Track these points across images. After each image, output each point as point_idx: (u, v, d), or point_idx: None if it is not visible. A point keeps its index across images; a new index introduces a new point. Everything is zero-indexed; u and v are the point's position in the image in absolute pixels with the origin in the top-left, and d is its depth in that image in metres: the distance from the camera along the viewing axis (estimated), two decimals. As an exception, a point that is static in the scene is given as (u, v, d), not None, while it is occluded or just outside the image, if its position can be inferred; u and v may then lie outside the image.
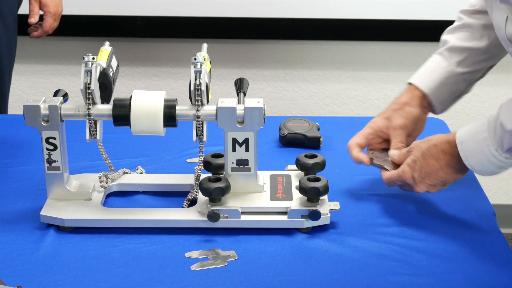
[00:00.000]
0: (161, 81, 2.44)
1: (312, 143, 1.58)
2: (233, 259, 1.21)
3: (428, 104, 1.43)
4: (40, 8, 1.88)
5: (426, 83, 1.42)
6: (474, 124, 1.23)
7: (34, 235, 1.27)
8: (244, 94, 1.32)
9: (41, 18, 1.89)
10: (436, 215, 1.33)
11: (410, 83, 1.45)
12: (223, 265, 1.20)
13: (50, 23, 1.88)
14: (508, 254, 1.22)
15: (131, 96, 1.26)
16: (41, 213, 1.29)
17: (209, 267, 1.19)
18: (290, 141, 1.59)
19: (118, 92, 1.28)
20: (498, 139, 1.19)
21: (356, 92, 2.46)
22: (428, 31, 2.39)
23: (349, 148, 1.40)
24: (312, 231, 1.27)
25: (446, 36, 1.45)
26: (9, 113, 2.00)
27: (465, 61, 1.42)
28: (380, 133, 1.41)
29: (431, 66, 1.44)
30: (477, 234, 1.28)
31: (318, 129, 1.61)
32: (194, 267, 1.19)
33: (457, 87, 1.44)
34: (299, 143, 1.58)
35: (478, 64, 1.43)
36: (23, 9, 1.93)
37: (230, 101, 1.27)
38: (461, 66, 1.42)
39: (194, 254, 1.22)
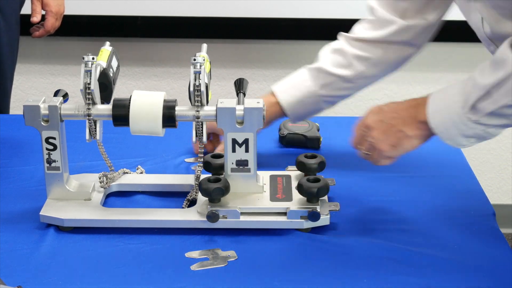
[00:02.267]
0: (161, 81, 2.44)
1: (312, 144, 1.58)
2: (233, 259, 1.21)
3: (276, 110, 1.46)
4: (42, 8, 1.88)
5: (286, 97, 1.45)
6: (449, 86, 1.22)
7: (34, 235, 1.27)
8: (244, 94, 1.32)
9: (43, 17, 1.90)
10: (436, 215, 1.33)
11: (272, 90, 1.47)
12: (223, 265, 1.20)
13: (52, 23, 1.88)
14: (508, 254, 1.22)
15: (130, 96, 1.26)
16: (41, 213, 1.29)
17: (209, 267, 1.19)
18: (290, 142, 1.59)
19: (118, 92, 1.28)
20: (467, 95, 1.17)
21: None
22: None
23: None
24: (312, 231, 1.27)
25: (321, 53, 1.47)
26: (10, 113, 2.00)
27: (329, 85, 1.44)
28: None
29: (296, 81, 1.46)
30: (477, 234, 1.28)
31: (318, 130, 1.61)
32: (194, 267, 1.19)
33: (316, 106, 1.47)
34: (299, 144, 1.58)
35: (341, 91, 1.46)
36: (25, 9, 1.93)
37: (229, 102, 1.27)
38: (325, 90, 1.45)
39: (194, 254, 1.22)
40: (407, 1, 1.37)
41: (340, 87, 1.45)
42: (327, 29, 2.33)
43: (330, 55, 1.45)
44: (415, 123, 1.23)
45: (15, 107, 2.32)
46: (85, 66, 1.24)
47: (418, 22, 1.39)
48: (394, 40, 1.41)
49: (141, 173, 1.44)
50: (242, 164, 1.29)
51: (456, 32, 2.37)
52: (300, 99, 1.45)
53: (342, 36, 1.46)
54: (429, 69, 2.44)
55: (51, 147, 1.28)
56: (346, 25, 2.45)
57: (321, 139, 1.58)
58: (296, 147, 1.58)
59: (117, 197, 1.38)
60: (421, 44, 1.43)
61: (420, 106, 1.23)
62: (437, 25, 1.42)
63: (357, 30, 1.45)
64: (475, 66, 1.42)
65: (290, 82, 1.47)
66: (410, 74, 2.45)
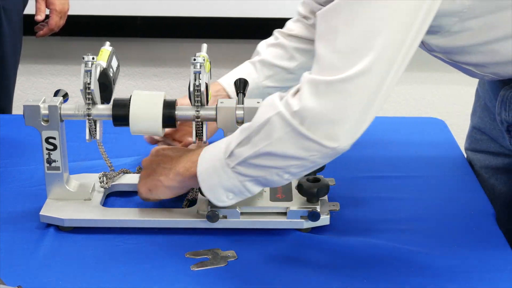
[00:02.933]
0: (161, 81, 2.44)
1: (311, 144, 1.57)
2: (233, 259, 1.21)
3: None
4: (47, 6, 1.88)
5: (234, 90, 1.40)
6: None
7: (34, 235, 1.27)
8: (244, 94, 1.32)
9: (48, 16, 1.90)
10: (436, 216, 1.33)
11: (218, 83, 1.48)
12: (223, 265, 1.19)
13: (56, 21, 1.88)
14: (508, 254, 1.22)
15: (130, 96, 1.26)
16: (41, 213, 1.29)
17: (209, 267, 1.19)
18: (290, 142, 1.58)
19: (118, 92, 1.28)
20: (230, 141, 1.15)
21: (356, 92, 2.46)
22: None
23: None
24: (313, 231, 1.27)
25: (260, 48, 1.52)
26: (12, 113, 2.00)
27: (273, 76, 1.49)
28: None
29: (242, 75, 1.47)
30: (477, 234, 1.28)
31: (318, 130, 1.60)
32: (194, 267, 1.19)
33: (261, 97, 1.45)
34: (298, 143, 1.58)
35: (285, 82, 1.51)
36: (27, 9, 1.93)
37: (229, 102, 1.27)
38: (269, 81, 1.49)
39: (194, 254, 1.22)
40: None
41: (283, 78, 1.50)
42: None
43: (270, 49, 1.51)
44: (174, 174, 1.23)
45: (15, 107, 2.32)
46: (85, 66, 1.23)
47: None
48: None
49: (141, 173, 1.44)
50: (242, 164, 1.29)
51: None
52: (248, 91, 1.40)
53: (278, 32, 1.53)
54: (429, 69, 2.44)
55: (51, 147, 1.28)
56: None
57: (321, 139, 1.57)
58: (296, 147, 1.58)
59: (117, 197, 1.38)
60: None
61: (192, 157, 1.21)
62: None
63: (291, 27, 1.52)
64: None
65: (236, 76, 1.47)
66: (409, 74, 2.45)
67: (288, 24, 1.54)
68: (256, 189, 1.18)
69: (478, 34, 1.19)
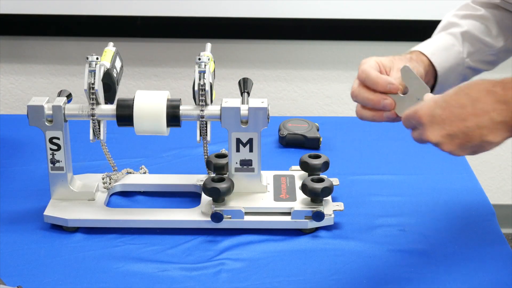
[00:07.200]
0: (161, 81, 2.43)
1: (311, 144, 1.58)
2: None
3: (429, 79, 1.20)
4: None
5: (440, 61, 1.19)
6: None
7: (35, 235, 1.27)
8: (248, 94, 1.32)
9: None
10: (436, 216, 1.34)
11: (420, 52, 1.21)
12: (223, 266, 1.20)
13: None
14: (508, 254, 1.23)
15: (134, 96, 1.26)
16: (45, 213, 1.29)
17: (209, 267, 1.19)
18: (290, 142, 1.59)
19: (119, 93, 1.28)
20: None
21: (355, 92, 2.46)
22: (427, 31, 2.40)
23: (365, 72, 1.08)
24: (316, 231, 1.27)
25: (454, 19, 1.24)
26: (9, 113, 1.99)
27: (474, 54, 1.23)
28: (382, 68, 1.13)
29: (444, 45, 1.21)
30: (477, 234, 1.28)
31: (318, 130, 1.61)
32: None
33: (459, 78, 1.23)
34: (298, 144, 1.59)
35: (482, 64, 1.25)
36: (24, 9, 1.92)
37: (234, 101, 1.27)
38: (470, 59, 1.23)
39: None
40: None
41: (483, 59, 1.23)
42: (327, 29, 2.34)
43: (470, 21, 1.22)
44: (502, 128, 0.96)
45: (15, 107, 2.32)
46: (89, 66, 1.23)
47: None
48: None
49: (145, 173, 1.44)
50: (246, 164, 1.29)
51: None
52: (451, 65, 1.19)
53: (474, 2, 1.26)
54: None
55: (55, 147, 1.28)
56: (346, 25, 2.45)
57: (321, 139, 1.58)
58: (296, 147, 1.58)
59: (121, 197, 1.38)
60: None
61: (497, 100, 0.95)
62: None
63: None
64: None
65: (438, 46, 1.20)
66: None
67: None
68: None
69: None
